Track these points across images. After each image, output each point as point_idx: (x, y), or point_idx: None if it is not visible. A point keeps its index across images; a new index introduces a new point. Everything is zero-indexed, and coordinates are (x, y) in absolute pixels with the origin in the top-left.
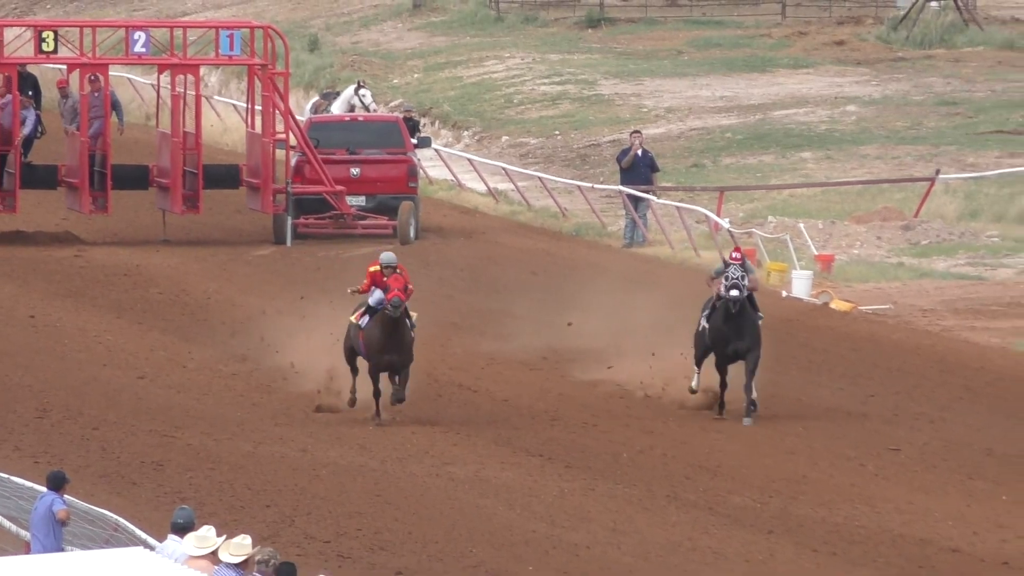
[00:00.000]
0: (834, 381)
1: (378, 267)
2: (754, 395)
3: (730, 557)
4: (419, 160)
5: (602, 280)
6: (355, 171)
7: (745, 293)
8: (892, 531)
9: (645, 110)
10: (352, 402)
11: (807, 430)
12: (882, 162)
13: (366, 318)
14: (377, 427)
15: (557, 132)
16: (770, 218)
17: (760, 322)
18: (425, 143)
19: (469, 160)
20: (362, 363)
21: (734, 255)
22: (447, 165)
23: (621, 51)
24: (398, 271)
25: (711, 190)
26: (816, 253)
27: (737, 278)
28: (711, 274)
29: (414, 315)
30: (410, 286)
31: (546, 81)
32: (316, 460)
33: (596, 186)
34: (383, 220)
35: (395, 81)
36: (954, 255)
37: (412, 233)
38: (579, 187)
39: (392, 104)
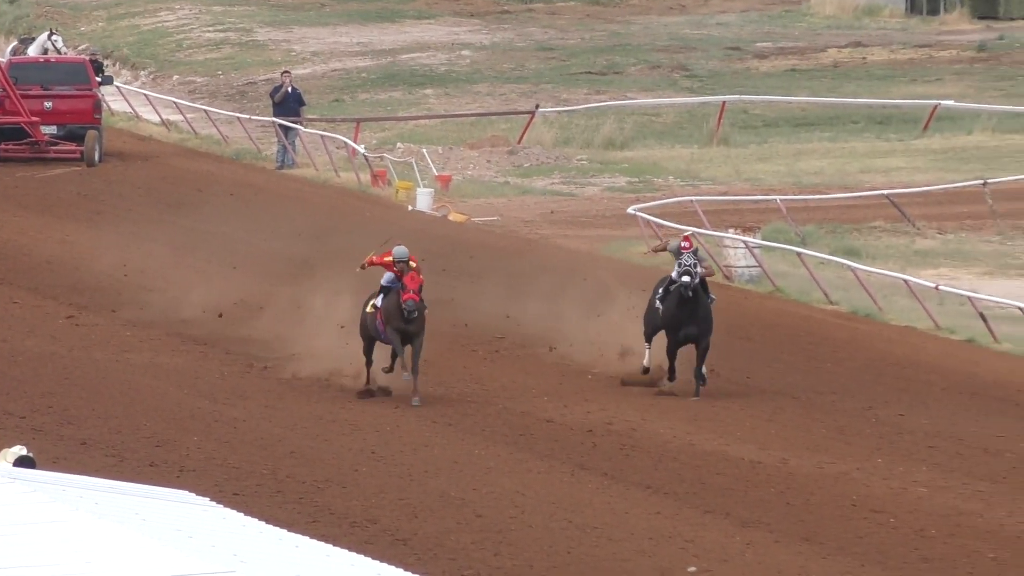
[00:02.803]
0: (451, 281)
1: (391, 258)
2: (704, 371)
3: (363, 428)
4: (103, 95)
5: (258, 198)
6: (48, 104)
7: (697, 280)
8: (498, 405)
9: (294, 53)
10: (368, 393)
11: (431, 323)
12: (491, 98)
13: (380, 297)
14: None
15: (220, 72)
16: (399, 144)
17: (712, 305)
18: (108, 81)
19: (145, 95)
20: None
21: (683, 244)
22: (127, 100)
23: (274, 3)
24: (412, 265)
25: (349, 121)
26: (437, 174)
27: (690, 265)
28: (665, 244)
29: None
30: (421, 278)
31: (210, 29)
32: (14, 349)
33: (253, 117)
34: (72, 146)
35: (82, 28)
36: (551, 175)
37: (97, 157)
38: (239, 118)
39: (80, 48)
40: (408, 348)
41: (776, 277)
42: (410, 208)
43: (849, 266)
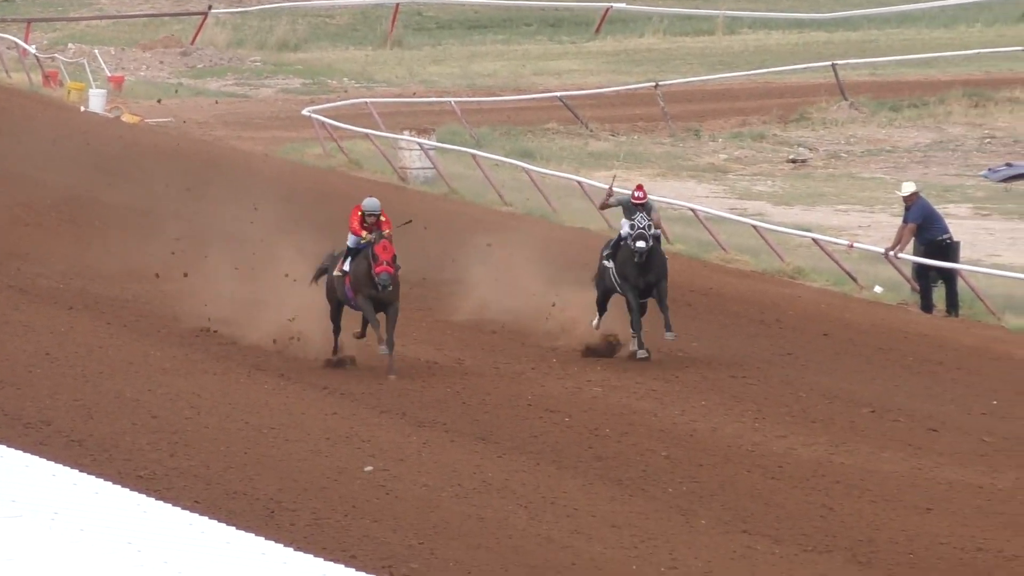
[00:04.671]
0: (126, 184)
1: (361, 212)
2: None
3: (37, 329)
4: None
5: None
6: None
7: (651, 243)
8: (174, 307)
9: None
10: (336, 363)
11: (113, 234)
12: None
13: (348, 261)
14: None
15: None
16: (70, 45)
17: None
18: None
19: None
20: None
21: (636, 195)
22: None
23: None
24: (382, 219)
25: (20, 21)
26: (109, 75)
27: (644, 227)
28: (615, 198)
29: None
30: (393, 247)
31: None
32: None
33: None
34: None
35: None
36: (224, 77)
37: None
38: None
39: None
40: (382, 318)
41: (451, 179)
42: (83, 109)
43: (524, 168)
